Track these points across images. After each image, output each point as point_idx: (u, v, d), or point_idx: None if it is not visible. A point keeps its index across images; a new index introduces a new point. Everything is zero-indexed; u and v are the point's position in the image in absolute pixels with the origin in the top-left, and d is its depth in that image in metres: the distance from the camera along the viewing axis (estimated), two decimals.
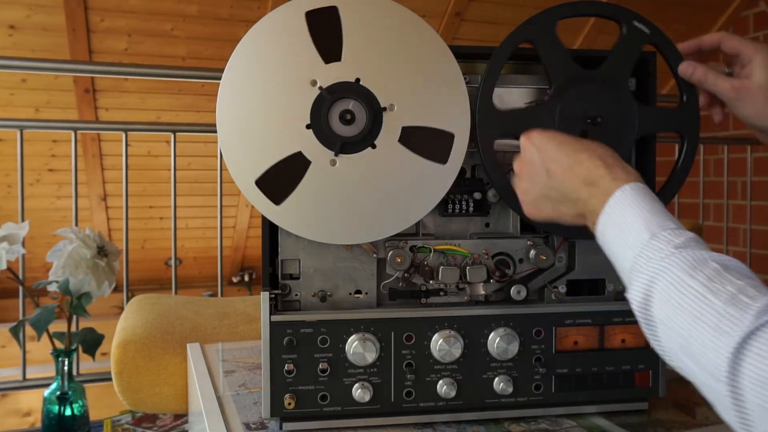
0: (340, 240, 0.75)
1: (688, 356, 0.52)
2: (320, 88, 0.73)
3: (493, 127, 0.77)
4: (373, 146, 0.74)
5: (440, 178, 0.76)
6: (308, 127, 0.73)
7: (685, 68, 0.77)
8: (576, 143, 0.66)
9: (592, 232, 0.64)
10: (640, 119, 0.77)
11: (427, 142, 0.75)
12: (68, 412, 1.23)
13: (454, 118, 0.76)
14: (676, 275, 0.53)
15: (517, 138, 0.72)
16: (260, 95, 0.73)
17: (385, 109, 0.74)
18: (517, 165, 0.72)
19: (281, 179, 0.73)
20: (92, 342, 1.29)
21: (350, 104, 0.73)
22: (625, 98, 0.77)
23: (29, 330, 1.31)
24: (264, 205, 0.73)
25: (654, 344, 0.57)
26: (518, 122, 0.78)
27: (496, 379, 0.78)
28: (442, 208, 0.80)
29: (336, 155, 0.73)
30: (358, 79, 0.74)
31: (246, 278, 5.10)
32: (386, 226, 0.75)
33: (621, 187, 0.61)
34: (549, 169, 0.66)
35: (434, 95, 0.75)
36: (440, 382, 0.77)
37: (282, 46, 0.73)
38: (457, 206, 0.80)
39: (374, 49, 0.74)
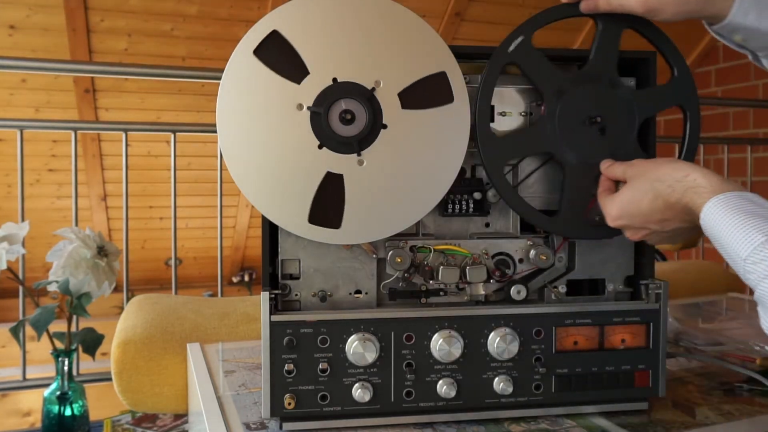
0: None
1: None
2: (308, 108, 0.73)
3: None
4: (384, 126, 0.74)
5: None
6: (320, 147, 0.73)
7: (587, 4, 0.76)
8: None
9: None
10: (638, 104, 0.77)
11: (426, 93, 0.75)
12: (68, 412, 1.23)
13: (437, 59, 0.75)
14: None
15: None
16: (259, 125, 0.73)
17: (374, 89, 0.74)
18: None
19: (329, 205, 0.74)
20: (92, 342, 1.29)
21: (343, 104, 0.73)
22: (619, 89, 0.77)
23: (29, 330, 1.31)
24: (328, 235, 0.74)
25: None
26: (521, 145, 0.78)
27: (496, 379, 0.78)
28: (442, 208, 0.80)
29: (359, 155, 0.74)
30: (335, 79, 0.73)
31: (246, 278, 5.11)
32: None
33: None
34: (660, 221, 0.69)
35: (409, 50, 0.75)
36: (440, 382, 0.77)
37: (253, 88, 0.73)
38: (457, 206, 0.80)
39: (334, 43, 0.74)
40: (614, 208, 0.71)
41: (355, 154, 0.74)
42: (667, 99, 0.79)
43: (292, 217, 0.74)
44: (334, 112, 0.73)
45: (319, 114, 0.73)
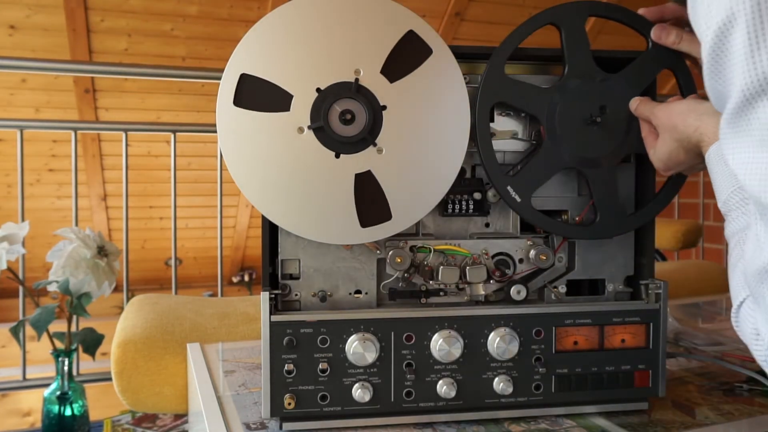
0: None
1: None
2: (308, 127, 0.73)
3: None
4: (384, 107, 0.74)
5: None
6: (337, 156, 0.73)
7: (658, 32, 0.76)
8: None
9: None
10: (628, 88, 0.77)
11: (405, 58, 0.74)
12: (68, 412, 1.23)
13: (399, 22, 0.75)
14: None
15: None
16: (272, 162, 0.73)
17: (357, 79, 0.73)
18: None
19: (372, 203, 0.74)
20: (92, 342, 1.29)
21: (337, 107, 0.73)
22: (607, 80, 0.77)
23: (29, 330, 1.31)
24: (385, 230, 0.75)
25: None
26: (520, 99, 0.78)
27: (496, 379, 0.78)
28: (442, 208, 0.80)
29: (375, 145, 0.74)
30: (318, 89, 0.73)
31: (246, 278, 5.11)
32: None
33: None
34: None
35: (370, 27, 0.74)
36: (440, 382, 0.77)
37: (248, 135, 0.73)
38: (457, 206, 0.80)
39: (299, 59, 0.73)
40: (660, 164, 0.74)
41: (371, 147, 0.74)
42: (653, 66, 0.78)
43: (344, 230, 0.74)
44: (334, 118, 0.73)
45: (321, 127, 0.73)
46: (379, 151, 0.74)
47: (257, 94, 0.73)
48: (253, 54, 0.73)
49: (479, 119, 0.76)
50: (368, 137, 0.73)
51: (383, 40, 0.74)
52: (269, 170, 0.73)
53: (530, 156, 0.79)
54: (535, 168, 0.77)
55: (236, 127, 0.73)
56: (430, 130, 0.75)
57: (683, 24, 0.77)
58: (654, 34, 0.76)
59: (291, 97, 0.73)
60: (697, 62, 0.77)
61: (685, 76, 0.79)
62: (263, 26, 0.73)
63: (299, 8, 0.74)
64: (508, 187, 0.76)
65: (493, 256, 0.80)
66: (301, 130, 0.73)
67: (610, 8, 0.78)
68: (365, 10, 0.75)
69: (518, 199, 0.76)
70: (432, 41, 0.75)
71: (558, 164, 0.77)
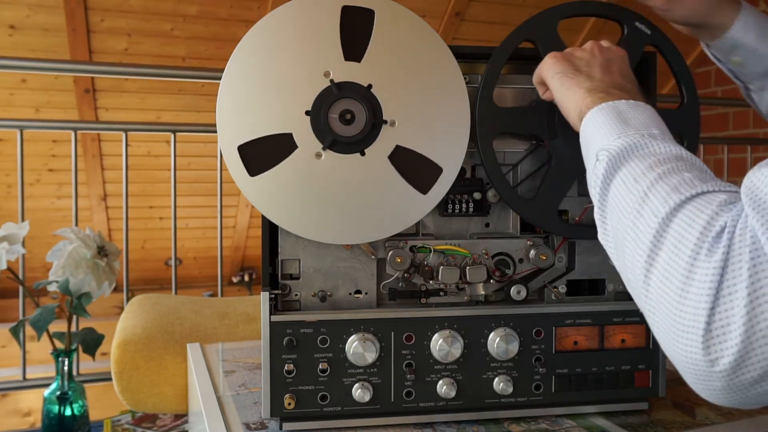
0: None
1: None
2: (332, 81, 0.73)
3: (493, 127, 0.77)
4: (362, 153, 0.74)
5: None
6: (307, 113, 0.73)
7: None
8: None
9: (575, 109, 0.66)
10: None
11: (414, 168, 0.75)
12: (68, 412, 1.23)
13: (449, 153, 0.76)
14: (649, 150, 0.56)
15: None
16: (264, 85, 0.73)
17: (386, 122, 0.74)
18: (588, 44, 0.73)
19: (264, 153, 0.73)
20: (92, 342, 1.29)
21: (354, 106, 0.73)
22: None
23: (29, 330, 1.31)
24: (239, 172, 0.73)
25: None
26: (518, 122, 0.78)
27: (496, 379, 0.78)
28: (442, 208, 0.80)
29: (324, 149, 0.73)
30: (370, 85, 0.74)
31: (246, 278, 5.11)
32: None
33: (648, 105, 0.63)
34: (610, 62, 0.70)
35: (437, 125, 0.75)
36: (440, 382, 0.77)
37: (306, 30, 0.73)
38: (457, 206, 0.80)
39: (393, 60, 0.74)
40: None
41: (321, 145, 0.73)
42: (671, 125, 0.78)
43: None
44: (342, 105, 0.73)
45: (332, 93, 0.73)
46: (319, 156, 0.74)
47: (348, 25, 0.73)
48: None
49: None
50: (329, 143, 0.73)
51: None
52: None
53: (546, 177, 0.79)
54: (554, 186, 0.78)
55: (310, 7, 0.73)
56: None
57: None
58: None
59: (360, 59, 0.73)
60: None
61: (668, 47, 0.79)
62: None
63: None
64: (506, 182, 0.77)
65: (493, 256, 0.80)
66: (327, 74, 0.73)
67: (580, 6, 0.78)
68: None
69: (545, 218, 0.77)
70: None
71: (574, 173, 0.78)
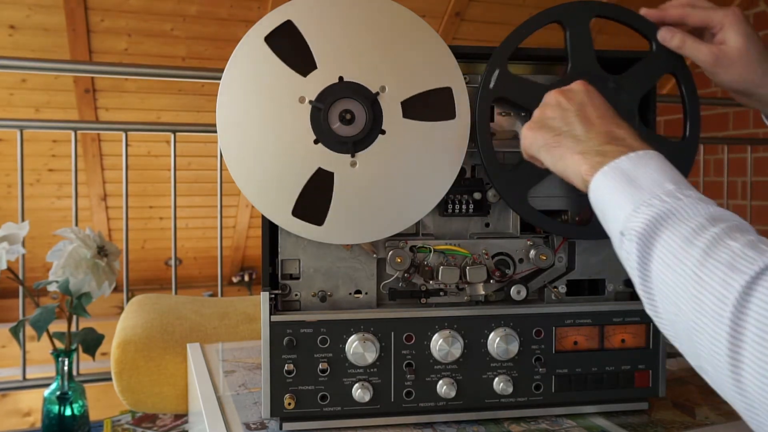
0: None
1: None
2: (310, 102, 0.73)
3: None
4: (383, 132, 0.74)
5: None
6: (316, 142, 0.73)
7: (665, 34, 0.75)
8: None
9: (576, 176, 0.63)
10: (628, 89, 0.77)
11: (429, 106, 0.75)
12: (68, 412, 1.23)
13: (444, 74, 0.75)
14: (690, 217, 0.52)
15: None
16: (259, 112, 0.73)
17: (377, 93, 0.74)
18: (550, 97, 0.70)
19: (315, 201, 0.74)
20: (92, 342, 1.29)
21: (354, 105, 0.73)
22: (608, 81, 0.77)
23: (29, 330, 1.31)
24: (308, 231, 0.74)
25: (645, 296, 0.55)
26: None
27: (496, 379, 0.78)
28: (442, 208, 0.80)
29: (353, 156, 0.74)
30: (341, 78, 0.73)
31: (246, 278, 5.11)
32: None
33: (647, 150, 0.60)
34: (582, 107, 0.66)
35: (419, 61, 0.75)
36: (440, 382, 0.77)
37: (259, 75, 0.73)
38: (457, 206, 0.80)
39: (345, 42, 0.74)
40: (735, 52, 0.72)
41: (348, 155, 0.74)
42: (656, 69, 0.78)
43: (278, 207, 0.73)
44: (335, 111, 0.73)
45: (320, 110, 0.73)
46: (353, 164, 0.74)
47: (289, 46, 0.73)
48: (310, 11, 0.73)
49: (479, 119, 0.76)
50: (351, 145, 0.73)
51: (422, 79, 0.75)
52: (254, 114, 0.73)
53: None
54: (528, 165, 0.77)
55: (252, 60, 0.72)
56: (411, 173, 0.75)
57: (685, 25, 0.76)
58: (660, 36, 0.76)
59: (315, 68, 0.73)
60: (697, 65, 0.76)
61: (686, 80, 0.79)
62: None
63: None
64: (506, 182, 0.76)
65: (493, 256, 0.80)
66: (302, 100, 0.73)
67: (618, 11, 0.78)
68: (426, 43, 0.75)
69: (514, 197, 0.76)
70: (461, 109, 0.75)
71: None
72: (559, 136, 0.65)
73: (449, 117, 0.75)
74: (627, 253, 0.55)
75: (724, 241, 0.49)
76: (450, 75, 0.75)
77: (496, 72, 0.76)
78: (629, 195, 0.56)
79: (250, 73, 0.73)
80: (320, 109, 0.72)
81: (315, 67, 0.73)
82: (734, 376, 0.45)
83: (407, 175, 0.75)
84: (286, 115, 0.73)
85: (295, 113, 0.73)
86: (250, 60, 0.73)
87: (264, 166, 0.73)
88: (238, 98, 0.73)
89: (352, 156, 0.74)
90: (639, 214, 0.54)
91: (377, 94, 0.74)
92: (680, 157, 0.76)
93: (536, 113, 0.70)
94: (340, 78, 0.73)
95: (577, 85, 0.69)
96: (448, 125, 0.75)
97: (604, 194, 0.59)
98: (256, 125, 0.73)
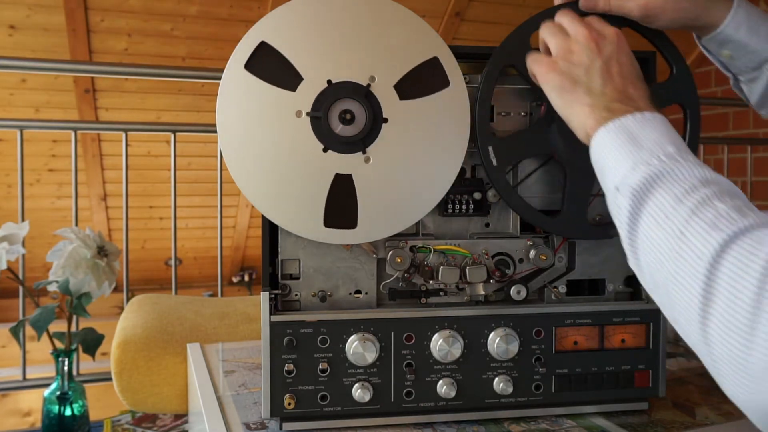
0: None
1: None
2: (307, 114, 0.73)
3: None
4: (385, 120, 0.74)
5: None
6: (325, 150, 0.73)
7: (586, 3, 0.74)
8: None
9: (580, 127, 0.64)
10: None
11: (422, 82, 0.75)
12: (68, 412, 1.23)
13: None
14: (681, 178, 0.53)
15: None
16: (261, 135, 0.73)
17: (369, 85, 0.74)
18: (582, 34, 0.68)
19: (342, 207, 0.74)
20: (92, 342, 1.29)
21: (353, 105, 0.73)
22: None
23: (29, 330, 1.31)
24: (346, 237, 0.74)
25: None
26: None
27: (496, 379, 0.78)
28: (442, 208, 0.80)
29: (364, 153, 0.74)
30: (369, 85, 0.74)
31: (246, 278, 5.11)
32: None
33: (655, 114, 0.61)
34: (608, 61, 0.66)
35: (399, 41, 0.74)
36: (440, 382, 0.77)
37: (249, 102, 0.73)
38: (457, 206, 0.80)
39: (322, 46, 0.74)
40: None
41: (360, 153, 0.74)
42: (667, 97, 0.79)
43: (307, 222, 0.74)
44: (334, 114, 0.73)
45: (319, 118, 0.73)
46: (367, 160, 0.74)
47: (270, 66, 0.73)
48: (279, 27, 0.73)
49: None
50: (360, 143, 0.73)
51: (407, 57, 0.74)
52: (256, 139, 0.73)
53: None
54: (523, 137, 0.77)
55: (240, 91, 0.72)
56: (423, 153, 0.75)
57: None
58: (582, 3, 0.75)
59: (301, 79, 0.73)
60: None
61: (693, 113, 0.79)
62: (296, 3, 0.73)
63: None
64: (489, 148, 0.76)
65: (493, 256, 0.80)
66: (299, 114, 0.73)
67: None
68: (401, 23, 0.75)
69: (494, 163, 0.76)
70: (452, 75, 0.75)
71: (545, 145, 0.77)
72: (575, 84, 0.66)
73: (444, 86, 0.75)
74: (618, 207, 0.57)
75: (712, 202, 0.50)
76: (432, 44, 0.75)
77: (516, 42, 0.76)
78: (629, 152, 0.58)
79: (241, 102, 0.72)
80: (319, 117, 0.72)
81: (301, 79, 0.73)
82: (702, 327, 0.48)
83: (417, 158, 0.75)
84: (288, 133, 0.73)
85: (296, 129, 0.73)
86: (238, 90, 0.73)
87: (282, 188, 0.73)
88: (237, 125, 0.73)
89: (364, 153, 0.74)
90: (636, 172, 0.56)
91: (369, 85, 0.74)
92: (680, 92, 0.77)
93: (560, 44, 0.69)
94: (329, 81, 0.73)
95: (611, 35, 0.68)
96: (445, 95, 0.75)
97: (604, 149, 0.60)
98: (261, 148, 0.73)
